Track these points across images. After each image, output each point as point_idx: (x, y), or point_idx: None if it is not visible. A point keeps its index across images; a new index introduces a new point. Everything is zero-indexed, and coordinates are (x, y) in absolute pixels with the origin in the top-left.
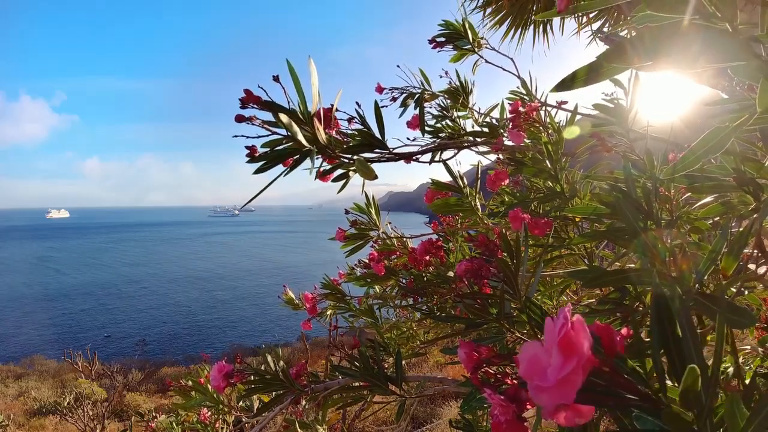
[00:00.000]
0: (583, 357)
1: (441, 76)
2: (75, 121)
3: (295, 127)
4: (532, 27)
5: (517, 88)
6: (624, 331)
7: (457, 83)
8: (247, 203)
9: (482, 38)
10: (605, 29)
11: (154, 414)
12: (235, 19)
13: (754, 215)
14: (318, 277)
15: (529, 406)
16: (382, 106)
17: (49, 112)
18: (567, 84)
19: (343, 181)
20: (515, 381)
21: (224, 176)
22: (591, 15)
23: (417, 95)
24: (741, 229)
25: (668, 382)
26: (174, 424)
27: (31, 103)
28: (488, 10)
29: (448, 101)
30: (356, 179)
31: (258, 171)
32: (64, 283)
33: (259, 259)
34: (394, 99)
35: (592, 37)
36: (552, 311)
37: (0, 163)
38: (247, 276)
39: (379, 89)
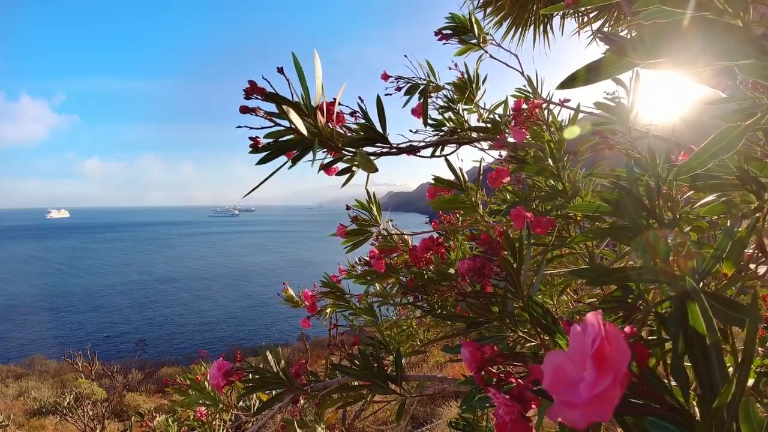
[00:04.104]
0: (621, 371)
1: (450, 68)
2: (75, 121)
3: (298, 118)
4: (532, 27)
5: (524, 86)
6: (627, 329)
7: (467, 76)
8: (252, 191)
9: (487, 34)
10: (605, 29)
11: (154, 414)
12: (236, 20)
13: (756, 214)
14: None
15: (533, 406)
16: (386, 95)
17: (49, 112)
18: (570, 82)
19: (348, 175)
20: (520, 380)
21: (224, 176)
22: (591, 15)
23: (422, 87)
24: (742, 228)
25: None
26: (170, 421)
27: (31, 103)
28: (488, 10)
29: (455, 94)
30: (357, 178)
31: (261, 162)
32: (65, 283)
33: (277, 256)
34: (399, 88)
35: (592, 37)
36: (553, 311)
37: (0, 163)
38: (253, 276)
39: (385, 77)
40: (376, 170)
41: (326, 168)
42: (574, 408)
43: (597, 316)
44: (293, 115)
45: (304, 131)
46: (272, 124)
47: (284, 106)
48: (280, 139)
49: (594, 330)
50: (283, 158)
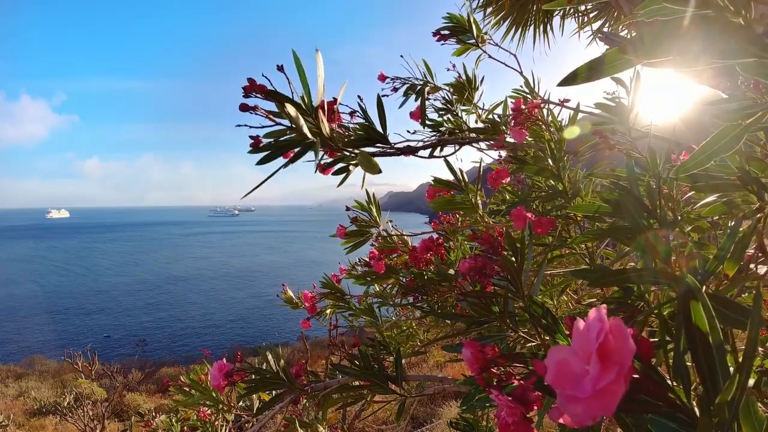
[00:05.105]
0: (625, 365)
1: (448, 69)
2: (75, 121)
3: (301, 119)
4: (532, 27)
5: (521, 86)
6: (629, 330)
7: (464, 77)
8: (251, 192)
9: (485, 34)
10: (605, 29)
11: (154, 414)
12: (236, 20)
13: (758, 215)
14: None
15: (535, 407)
16: (383, 95)
17: (49, 112)
18: (571, 79)
19: (344, 174)
20: (521, 381)
21: (224, 176)
22: (591, 15)
23: (419, 87)
24: (743, 229)
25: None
26: (173, 420)
27: (31, 103)
28: (488, 10)
29: (453, 96)
30: (356, 177)
31: (261, 162)
32: (66, 282)
33: (281, 255)
34: (395, 89)
35: (592, 37)
36: (553, 311)
37: (0, 163)
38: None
39: (382, 78)
40: (380, 171)
41: (325, 169)
42: (578, 402)
43: (601, 311)
44: (297, 117)
45: (307, 132)
46: (272, 124)
47: (288, 106)
48: (281, 138)
49: (598, 324)
50: (282, 159)
